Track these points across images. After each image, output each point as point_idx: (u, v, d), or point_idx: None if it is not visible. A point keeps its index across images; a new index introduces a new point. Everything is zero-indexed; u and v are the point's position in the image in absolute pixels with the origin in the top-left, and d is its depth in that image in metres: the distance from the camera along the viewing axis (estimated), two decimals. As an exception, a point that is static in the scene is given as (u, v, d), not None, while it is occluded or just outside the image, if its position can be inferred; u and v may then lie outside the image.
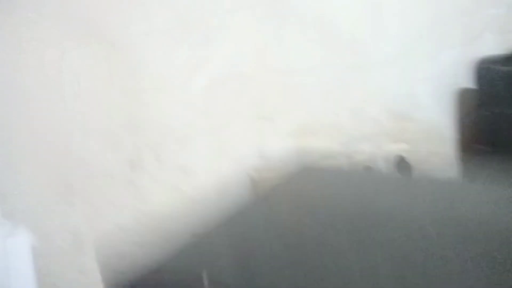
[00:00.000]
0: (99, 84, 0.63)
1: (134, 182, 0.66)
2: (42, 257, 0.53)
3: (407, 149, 0.95)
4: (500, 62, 0.91)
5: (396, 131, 0.95)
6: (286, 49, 0.76)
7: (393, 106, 0.94)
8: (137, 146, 0.66)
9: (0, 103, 0.54)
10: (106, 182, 0.64)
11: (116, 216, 0.65)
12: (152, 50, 0.66)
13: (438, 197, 0.63)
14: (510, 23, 0.94)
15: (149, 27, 0.65)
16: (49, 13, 0.55)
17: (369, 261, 0.46)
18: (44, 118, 0.58)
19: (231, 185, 0.74)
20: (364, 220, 0.56)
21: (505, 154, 0.83)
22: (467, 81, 0.97)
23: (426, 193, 0.66)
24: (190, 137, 0.71)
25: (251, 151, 0.76)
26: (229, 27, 0.72)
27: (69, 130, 0.62)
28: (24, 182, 0.57)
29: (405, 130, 0.96)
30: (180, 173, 0.69)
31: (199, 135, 0.71)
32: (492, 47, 0.94)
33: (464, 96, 1.01)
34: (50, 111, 0.59)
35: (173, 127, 0.69)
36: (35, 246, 0.51)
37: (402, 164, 0.93)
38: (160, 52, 0.66)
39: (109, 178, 0.64)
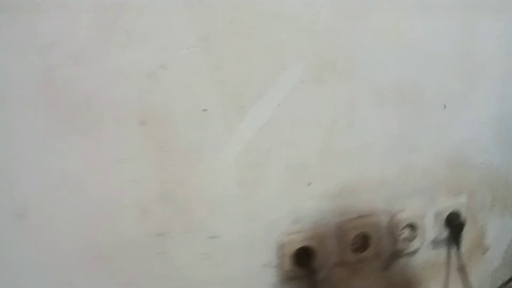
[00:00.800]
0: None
1: (163, 251, 0.67)
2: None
3: (464, 202, 0.86)
4: None
5: (452, 181, 0.86)
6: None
7: (448, 153, 0.84)
8: (167, 217, 0.67)
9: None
10: (137, 252, 0.66)
11: (147, 283, 0.67)
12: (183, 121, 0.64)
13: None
14: None
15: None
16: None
17: None
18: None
19: (259, 250, 0.73)
20: None
21: None
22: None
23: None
24: (220, 205, 0.69)
25: (283, 216, 0.73)
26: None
27: (102, 203, 0.63)
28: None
29: (464, 179, 0.87)
30: (209, 241, 0.69)
31: (228, 202, 0.70)
32: None
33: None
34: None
35: (202, 197, 0.68)
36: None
37: (455, 220, 0.85)
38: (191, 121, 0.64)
39: (140, 248, 0.66)
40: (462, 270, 0.85)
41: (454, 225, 0.85)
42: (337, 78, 0.71)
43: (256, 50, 0.65)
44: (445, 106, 0.79)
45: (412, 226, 0.83)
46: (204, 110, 0.64)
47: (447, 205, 0.84)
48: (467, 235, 0.90)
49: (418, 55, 0.76)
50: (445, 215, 0.85)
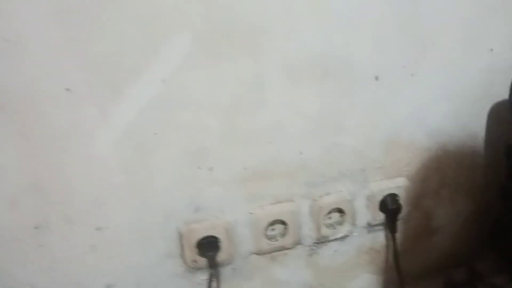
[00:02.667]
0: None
1: (44, 244, 0.62)
2: None
3: (402, 185, 0.77)
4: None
5: (389, 163, 0.76)
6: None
7: (384, 133, 0.74)
8: (41, 209, 0.60)
9: None
10: (15, 246, 0.61)
11: (30, 276, 0.63)
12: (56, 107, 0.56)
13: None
14: None
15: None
16: None
17: None
18: None
19: (158, 240, 0.67)
20: None
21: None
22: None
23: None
24: (105, 194, 0.62)
25: (183, 204, 0.66)
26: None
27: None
28: None
29: (403, 161, 0.77)
30: (95, 232, 0.63)
31: (115, 192, 0.63)
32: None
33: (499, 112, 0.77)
34: None
35: (82, 187, 0.61)
36: None
37: (391, 204, 0.77)
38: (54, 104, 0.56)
39: (17, 241, 0.61)
40: (395, 255, 0.78)
41: (390, 209, 0.76)
42: (238, 50, 0.60)
43: (127, 18, 0.54)
44: (377, 78, 0.68)
45: (341, 211, 0.75)
46: (67, 89, 0.55)
47: (381, 188, 0.75)
48: (410, 219, 0.82)
49: (343, 21, 0.63)
50: (378, 199, 0.76)
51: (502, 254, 0.77)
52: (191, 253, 0.67)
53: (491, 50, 0.73)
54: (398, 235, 0.80)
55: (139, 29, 0.55)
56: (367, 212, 0.77)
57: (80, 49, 0.53)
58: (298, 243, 0.74)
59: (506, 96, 0.72)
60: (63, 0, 0.51)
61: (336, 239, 0.77)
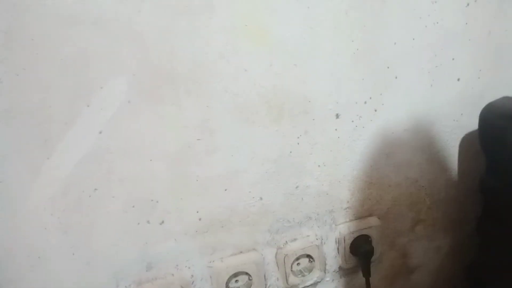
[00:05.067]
0: None
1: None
2: None
3: (374, 225, 0.72)
4: None
5: (358, 203, 0.71)
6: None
7: (351, 172, 0.69)
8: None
9: None
10: None
11: None
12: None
13: None
14: None
15: None
16: None
17: None
18: None
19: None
20: None
21: None
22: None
23: None
24: (45, 257, 0.56)
25: (133, 262, 0.60)
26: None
27: None
28: None
29: (373, 199, 0.72)
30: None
31: (55, 253, 0.56)
32: None
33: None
34: None
35: (17, 250, 0.55)
36: None
37: (363, 246, 0.71)
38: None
39: None
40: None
41: (361, 251, 0.71)
42: (180, 93, 0.55)
43: (52, 66, 0.49)
44: (337, 116, 0.63)
45: (309, 257, 0.70)
46: (-8, 147, 0.49)
47: (350, 230, 0.70)
48: (385, 259, 0.77)
49: (296, 55, 0.59)
50: (349, 241, 0.71)
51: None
52: (145, 315, 0.61)
53: (458, 79, 0.70)
54: (375, 276, 0.75)
55: (66, 78, 0.50)
56: (337, 256, 0.72)
57: (3, 101, 0.48)
58: (264, 294, 0.68)
59: (476, 127, 0.69)
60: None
61: (306, 287, 0.71)
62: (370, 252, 0.71)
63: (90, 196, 0.55)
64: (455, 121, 0.72)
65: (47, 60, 0.49)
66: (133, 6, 0.50)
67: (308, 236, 0.69)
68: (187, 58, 0.54)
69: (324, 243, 0.70)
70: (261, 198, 0.64)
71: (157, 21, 0.51)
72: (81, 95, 0.51)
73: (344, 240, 0.71)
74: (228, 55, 0.55)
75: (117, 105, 0.53)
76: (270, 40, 0.57)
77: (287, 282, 0.69)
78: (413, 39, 0.65)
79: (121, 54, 0.51)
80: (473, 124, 0.71)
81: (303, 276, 0.70)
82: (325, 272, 0.71)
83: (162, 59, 0.53)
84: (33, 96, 0.49)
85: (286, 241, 0.68)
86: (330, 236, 0.70)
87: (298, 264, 0.70)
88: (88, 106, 0.52)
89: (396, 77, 0.65)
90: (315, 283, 0.71)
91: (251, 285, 0.67)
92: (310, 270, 0.71)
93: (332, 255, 0.71)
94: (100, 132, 0.53)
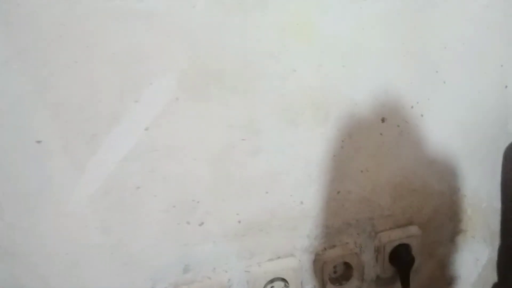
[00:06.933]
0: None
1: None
2: None
3: (414, 234, 0.70)
4: None
5: (399, 211, 0.69)
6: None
7: (393, 179, 0.67)
8: (16, 276, 0.53)
9: None
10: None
11: None
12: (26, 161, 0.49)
13: None
14: None
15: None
16: None
17: None
18: None
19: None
20: None
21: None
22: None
23: None
24: (83, 257, 0.55)
25: (171, 264, 0.59)
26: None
27: None
28: None
29: (414, 208, 0.70)
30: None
31: (94, 252, 0.55)
32: None
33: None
34: None
35: (58, 249, 0.54)
36: None
37: (402, 256, 0.69)
38: (24, 157, 0.49)
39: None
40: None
41: (401, 261, 0.68)
42: (228, 92, 0.54)
43: (102, 60, 0.48)
44: (383, 120, 0.61)
45: (347, 265, 0.68)
46: (38, 141, 0.48)
47: (390, 238, 0.68)
48: (423, 270, 0.74)
49: (345, 56, 0.57)
50: (388, 250, 0.68)
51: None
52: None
53: (506, 87, 0.68)
54: (412, 286, 0.72)
55: (116, 73, 0.49)
56: (376, 265, 0.69)
57: (50, 96, 0.47)
58: (301, 301, 0.66)
59: (523, 135, 0.66)
60: (25, 39, 0.45)
61: (343, 295, 0.69)
62: (411, 262, 0.69)
63: (132, 195, 0.54)
64: (500, 129, 0.70)
65: (98, 54, 0.48)
66: (188, 2, 0.49)
67: (347, 243, 0.67)
68: (237, 56, 0.53)
69: (363, 251, 0.68)
70: (302, 202, 0.62)
71: (210, 17, 0.50)
72: (130, 91, 0.50)
73: (384, 249, 0.68)
74: (278, 54, 0.54)
75: (165, 102, 0.51)
76: (320, 40, 0.55)
77: (324, 290, 0.67)
78: (463, 43, 0.63)
79: (172, 50, 0.50)
80: (520, 133, 0.69)
81: (340, 284, 0.68)
82: (362, 281, 0.69)
83: (212, 56, 0.52)
84: (83, 90, 0.48)
85: (325, 248, 0.66)
86: (369, 244, 0.68)
87: (335, 272, 0.68)
88: (136, 102, 0.50)
89: (444, 82, 0.63)
90: (352, 292, 0.69)
91: (287, 292, 0.65)
92: (347, 279, 0.69)
93: (370, 264, 0.69)
94: (146, 129, 0.52)
